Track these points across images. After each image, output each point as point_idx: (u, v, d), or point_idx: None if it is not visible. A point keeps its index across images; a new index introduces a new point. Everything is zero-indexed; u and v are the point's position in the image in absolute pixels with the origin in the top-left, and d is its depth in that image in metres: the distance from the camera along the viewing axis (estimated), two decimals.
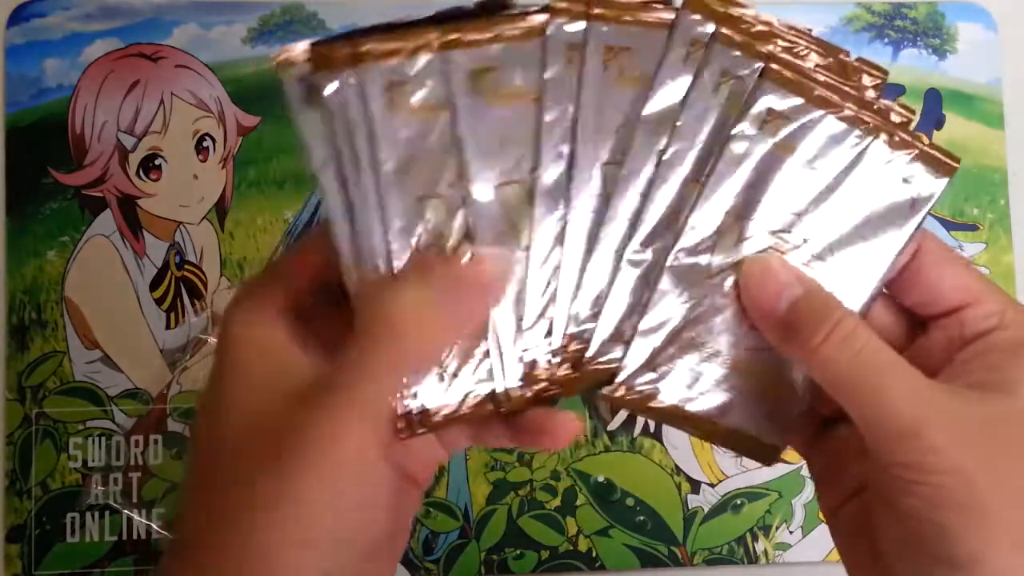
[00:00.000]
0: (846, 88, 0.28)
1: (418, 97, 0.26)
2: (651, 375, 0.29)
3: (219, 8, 0.57)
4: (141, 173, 0.56)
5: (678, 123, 0.27)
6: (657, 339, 0.28)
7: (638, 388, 0.29)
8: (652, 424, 0.56)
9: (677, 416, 0.29)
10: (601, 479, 0.55)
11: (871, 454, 0.27)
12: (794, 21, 0.29)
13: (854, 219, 0.28)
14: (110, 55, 0.56)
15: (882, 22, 0.61)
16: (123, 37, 0.57)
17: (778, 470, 0.56)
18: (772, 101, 0.28)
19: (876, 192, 0.28)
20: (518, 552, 0.54)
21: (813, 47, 0.29)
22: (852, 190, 0.28)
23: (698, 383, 0.29)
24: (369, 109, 0.26)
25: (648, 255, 0.28)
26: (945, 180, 0.28)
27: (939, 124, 0.60)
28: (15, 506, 0.53)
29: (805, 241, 0.28)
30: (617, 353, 0.28)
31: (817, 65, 0.28)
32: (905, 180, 0.28)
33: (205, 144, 0.56)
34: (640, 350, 0.28)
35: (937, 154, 0.28)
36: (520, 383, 0.28)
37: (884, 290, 0.30)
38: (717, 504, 0.56)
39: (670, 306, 0.28)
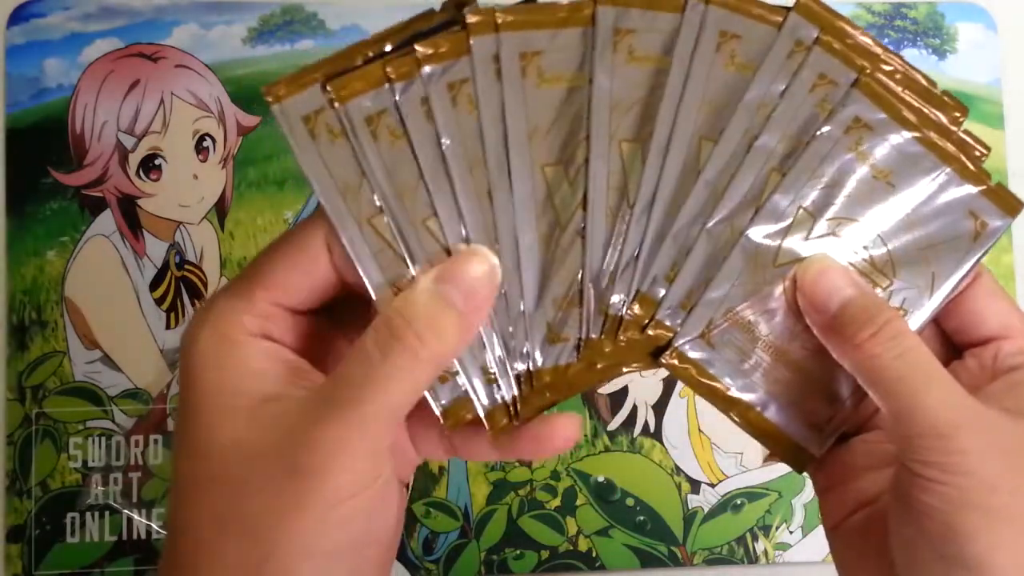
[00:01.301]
0: (929, 114, 0.29)
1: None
2: (704, 348, 0.29)
3: (219, 8, 0.57)
4: (141, 173, 0.56)
5: (774, 113, 0.29)
6: (716, 312, 0.29)
7: (690, 357, 0.29)
8: (652, 424, 0.56)
9: (721, 397, 0.30)
10: (601, 479, 0.55)
11: (897, 450, 0.27)
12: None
13: (919, 241, 0.30)
14: (110, 55, 0.56)
15: (882, 22, 0.61)
16: (123, 37, 0.57)
17: (778, 470, 0.56)
18: (860, 110, 0.29)
19: (943, 219, 0.29)
20: (518, 552, 0.54)
21: (904, 70, 0.30)
22: (921, 212, 0.29)
23: (746, 367, 0.30)
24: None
25: (726, 230, 0.29)
26: (1010, 220, 0.29)
27: None
28: (15, 506, 0.53)
29: (866, 250, 0.29)
30: (679, 319, 0.29)
31: (906, 88, 0.29)
32: (972, 213, 0.29)
33: (205, 144, 0.56)
34: (698, 319, 0.29)
35: (1004, 193, 0.29)
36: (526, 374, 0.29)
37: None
38: (717, 504, 0.56)
39: (734, 282, 0.29)
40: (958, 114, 0.30)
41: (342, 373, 0.26)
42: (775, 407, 0.30)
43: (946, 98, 0.30)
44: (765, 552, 0.56)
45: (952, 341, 0.31)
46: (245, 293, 0.27)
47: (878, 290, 0.29)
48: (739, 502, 0.56)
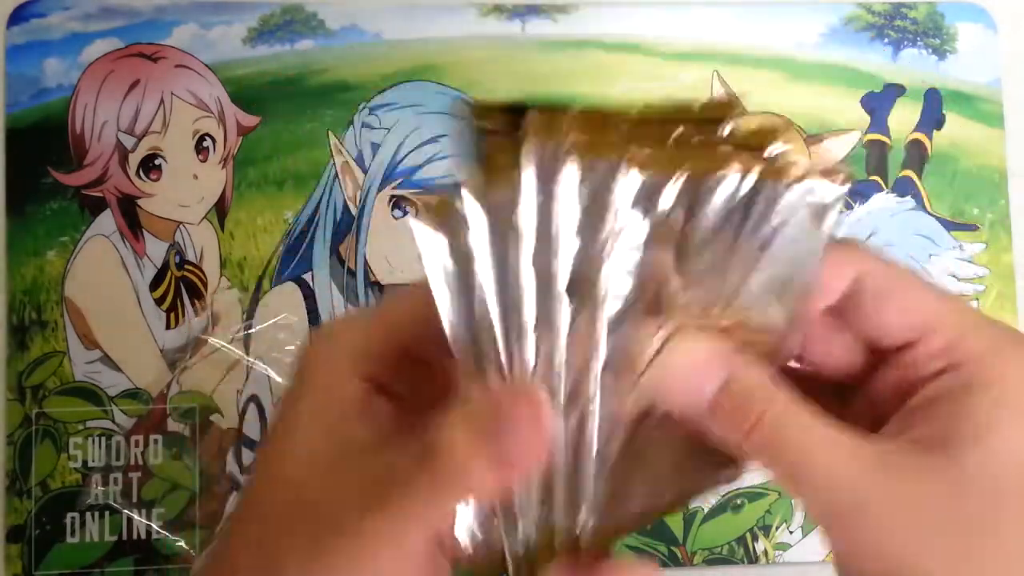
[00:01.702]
0: (721, 146, 0.25)
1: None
2: None
3: (219, 8, 0.57)
4: (141, 173, 0.56)
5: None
6: None
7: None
8: None
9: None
10: None
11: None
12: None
13: (770, 256, 0.26)
14: (110, 55, 0.56)
15: (882, 22, 0.61)
16: (123, 37, 0.57)
17: None
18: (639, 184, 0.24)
19: (781, 224, 0.25)
20: None
21: (675, 120, 0.25)
22: (758, 234, 0.26)
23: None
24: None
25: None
26: (844, 188, 0.25)
27: (939, 124, 0.60)
28: (15, 506, 0.53)
29: (721, 298, 0.26)
30: None
31: (691, 136, 0.25)
32: (807, 198, 0.25)
33: (205, 144, 0.56)
34: None
35: (825, 167, 0.25)
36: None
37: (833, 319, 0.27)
38: (717, 504, 0.56)
39: None
40: (724, 118, 0.25)
41: (392, 466, 0.24)
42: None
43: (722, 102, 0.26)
44: (765, 552, 0.56)
45: (876, 349, 0.27)
46: (365, 331, 0.27)
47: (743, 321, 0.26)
48: (739, 502, 0.56)
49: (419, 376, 0.27)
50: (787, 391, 0.25)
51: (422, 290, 0.26)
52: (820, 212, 0.25)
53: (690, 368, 0.25)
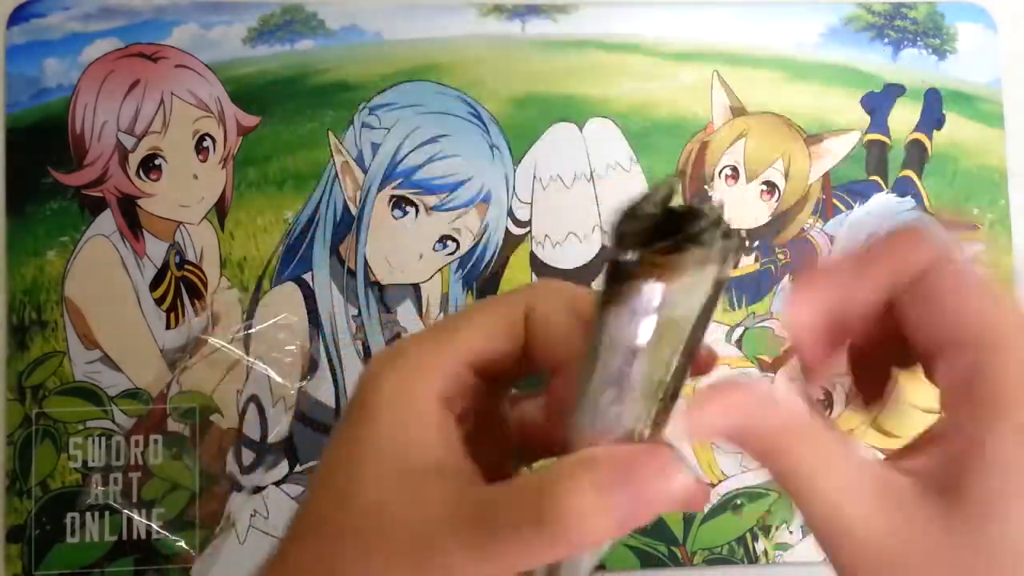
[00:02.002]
0: None
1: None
2: None
3: (219, 8, 0.57)
4: (141, 173, 0.56)
5: None
6: None
7: None
8: None
9: None
10: None
11: None
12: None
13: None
14: (110, 55, 0.56)
15: (882, 22, 0.61)
16: (123, 37, 0.57)
17: None
18: None
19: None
20: None
21: None
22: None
23: None
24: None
25: None
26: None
27: (939, 124, 0.60)
28: (15, 506, 0.53)
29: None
30: None
31: None
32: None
33: (205, 144, 0.56)
34: None
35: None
36: None
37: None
38: (717, 504, 0.56)
39: None
40: None
41: (489, 504, 0.24)
42: None
43: None
44: (765, 552, 0.56)
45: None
46: (438, 348, 0.26)
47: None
48: (739, 502, 0.56)
49: (486, 396, 0.27)
50: (809, 417, 0.24)
51: (492, 307, 0.26)
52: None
53: (702, 426, 0.24)
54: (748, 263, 0.59)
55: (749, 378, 0.25)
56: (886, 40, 0.60)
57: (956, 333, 0.24)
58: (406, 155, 0.57)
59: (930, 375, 0.25)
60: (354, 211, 0.57)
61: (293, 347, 0.55)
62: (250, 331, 0.55)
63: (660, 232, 0.23)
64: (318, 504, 0.26)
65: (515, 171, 0.58)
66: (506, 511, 0.23)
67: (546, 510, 0.22)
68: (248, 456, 0.55)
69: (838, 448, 0.23)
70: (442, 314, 0.57)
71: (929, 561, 0.22)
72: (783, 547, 0.56)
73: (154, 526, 0.54)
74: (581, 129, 0.58)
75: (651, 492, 0.23)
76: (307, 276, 0.56)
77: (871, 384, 0.28)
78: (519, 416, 0.29)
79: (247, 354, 0.55)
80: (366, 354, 0.56)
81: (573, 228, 0.58)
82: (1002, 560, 0.22)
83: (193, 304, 0.55)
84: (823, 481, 0.23)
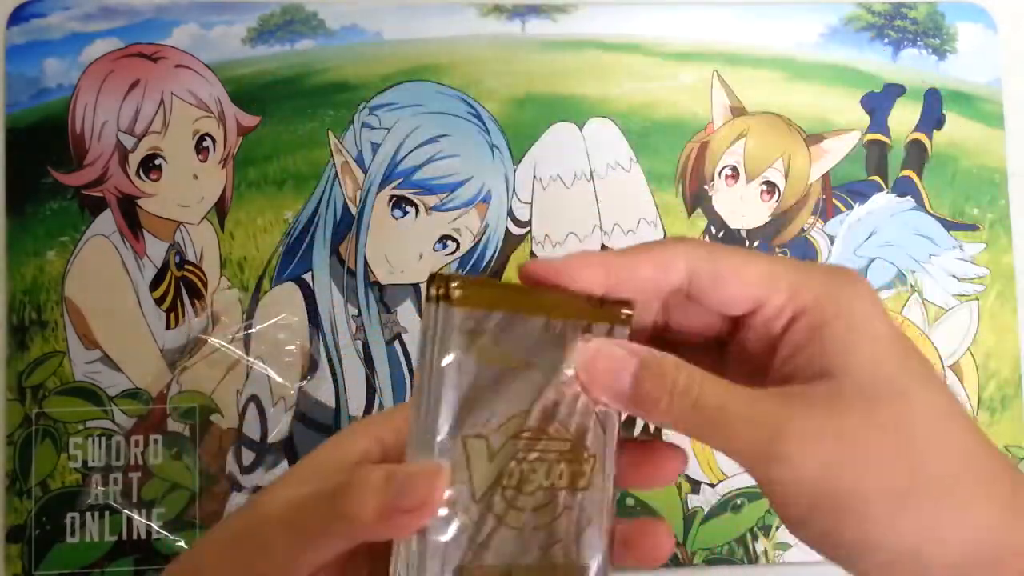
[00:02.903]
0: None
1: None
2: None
3: (219, 8, 0.57)
4: (141, 173, 0.56)
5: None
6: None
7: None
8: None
9: None
10: None
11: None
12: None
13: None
14: (110, 55, 0.56)
15: (882, 22, 0.61)
16: (123, 37, 0.57)
17: None
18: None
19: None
20: None
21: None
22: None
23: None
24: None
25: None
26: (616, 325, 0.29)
27: (939, 124, 0.60)
28: (15, 506, 0.53)
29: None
30: None
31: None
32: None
33: (205, 144, 0.56)
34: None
35: (606, 309, 0.28)
36: None
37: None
38: (717, 504, 0.56)
39: None
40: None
41: (308, 503, 0.27)
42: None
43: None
44: (765, 552, 0.56)
45: (731, 318, 0.30)
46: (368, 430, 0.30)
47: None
48: (739, 502, 0.56)
49: None
50: (691, 365, 0.28)
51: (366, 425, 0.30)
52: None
53: (608, 363, 0.28)
54: None
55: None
56: (886, 40, 0.60)
57: (755, 287, 0.29)
58: (406, 155, 0.57)
59: (742, 328, 0.30)
60: (354, 211, 0.57)
61: (293, 347, 0.55)
62: (250, 331, 0.55)
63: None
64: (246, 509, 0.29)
65: (515, 171, 0.58)
66: (313, 508, 0.27)
67: (340, 502, 0.26)
68: (248, 456, 0.55)
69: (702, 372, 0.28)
70: None
71: (809, 427, 0.26)
72: (783, 547, 0.56)
73: (154, 526, 0.54)
74: (581, 129, 0.58)
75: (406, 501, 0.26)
76: (307, 276, 0.56)
77: None
78: None
79: (247, 354, 0.55)
80: (366, 354, 0.56)
81: (573, 228, 0.58)
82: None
83: (193, 304, 0.55)
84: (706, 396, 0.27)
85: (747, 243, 0.59)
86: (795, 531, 0.30)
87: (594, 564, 0.28)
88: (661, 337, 0.31)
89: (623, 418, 0.29)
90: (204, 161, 0.56)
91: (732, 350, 0.30)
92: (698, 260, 0.29)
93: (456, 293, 0.26)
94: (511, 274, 0.57)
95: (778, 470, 0.26)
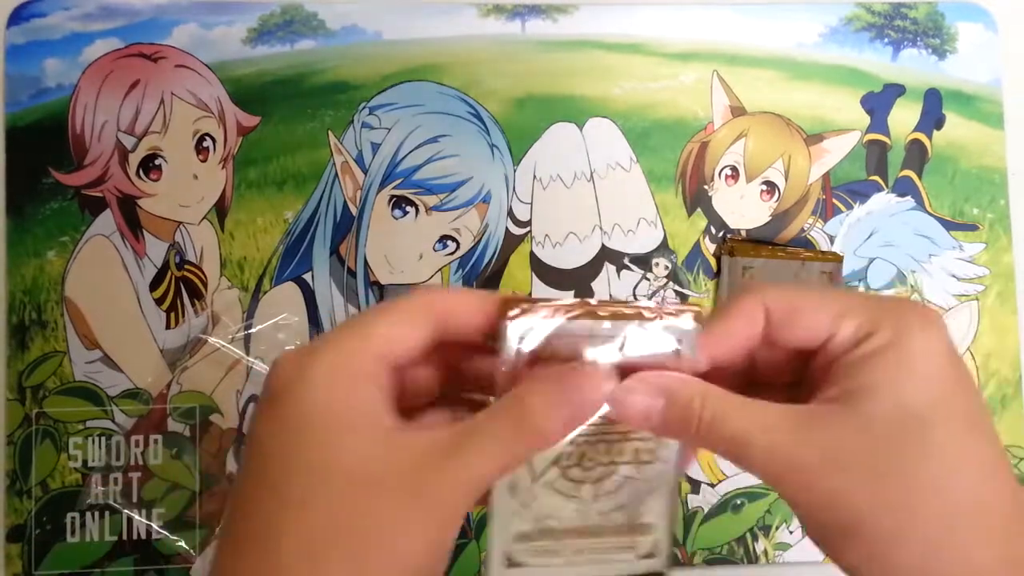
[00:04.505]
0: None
1: None
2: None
3: (219, 8, 0.57)
4: (141, 173, 0.56)
5: None
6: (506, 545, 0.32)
7: None
8: None
9: None
10: None
11: None
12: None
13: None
14: (110, 55, 0.56)
15: (882, 22, 0.61)
16: (123, 37, 0.57)
17: None
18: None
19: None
20: None
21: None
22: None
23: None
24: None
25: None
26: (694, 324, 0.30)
27: (939, 124, 0.60)
28: (15, 506, 0.53)
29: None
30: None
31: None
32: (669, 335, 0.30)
33: (205, 144, 0.56)
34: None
35: (680, 309, 0.31)
36: None
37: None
38: (717, 504, 0.56)
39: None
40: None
41: (480, 427, 0.28)
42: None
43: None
44: (765, 552, 0.56)
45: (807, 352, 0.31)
46: (356, 339, 0.29)
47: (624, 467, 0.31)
48: (739, 502, 0.56)
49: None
50: (718, 388, 0.30)
51: (400, 305, 0.30)
52: (680, 338, 0.30)
53: (639, 400, 0.30)
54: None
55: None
56: (886, 40, 0.60)
57: (828, 320, 0.30)
58: (406, 155, 0.57)
59: (815, 357, 0.31)
60: (354, 211, 0.57)
61: (293, 347, 0.55)
62: (250, 331, 0.55)
63: None
64: (287, 483, 0.27)
65: (515, 171, 0.58)
66: (486, 424, 0.28)
67: (505, 408, 0.28)
68: None
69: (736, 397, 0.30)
70: None
71: (827, 447, 0.28)
72: (783, 547, 0.56)
73: (154, 526, 0.54)
74: (581, 129, 0.58)
75: (583, 395, 0.29)
76: (307, 276, 0.56)
77: None
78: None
79: (247, 354, 0.55)
80: None
81: (573, 228, 0.58)
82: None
83: (193, 304, 0.55)
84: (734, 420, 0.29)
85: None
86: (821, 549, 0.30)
87: (659, 523, 0.31)
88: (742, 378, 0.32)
89: None
90: (204, 161, 0.56)
91: (805, 384, 0.31)
92: (772, 299, 0.31)
93: (506, 306, 0.29)
94: (510, 274, 0.57)
95: (796, 495, 0.28)
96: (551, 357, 0.29)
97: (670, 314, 0.30)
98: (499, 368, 0.29)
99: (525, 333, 0.29)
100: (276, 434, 0.28)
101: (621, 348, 0.30)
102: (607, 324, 0.29)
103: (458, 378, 0.32)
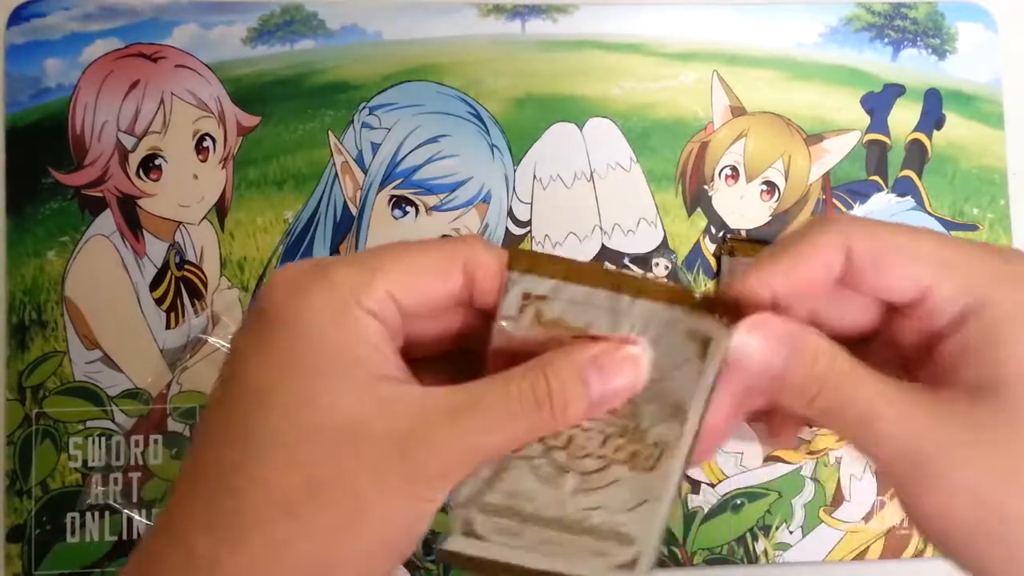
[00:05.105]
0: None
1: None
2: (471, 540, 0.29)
3: (219, 8, 0.57)
4: (141, 173, 0.56)
5: None
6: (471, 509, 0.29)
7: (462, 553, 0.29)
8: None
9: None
10: None
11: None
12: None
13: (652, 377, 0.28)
14: (110, 55, 0.56)
15: (882, 22, 0.61)
16: (123, 37, 0.57)
17: (778, 470, 0.56)
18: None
19: (665, 348, 0.28)
20: None
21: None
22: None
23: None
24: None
25: None
26: (726, 330, 0.27)
27: (939, 124, 0.60)
28: (15, 506, 0.53)
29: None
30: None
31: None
32: (689, 334, 0.27)
33: (205, 144, 0.56)
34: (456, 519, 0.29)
35: (712, 303, 0.28)
36: None
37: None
38: (717, 504, 0.56)
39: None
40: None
41: (489, 393, 0.26)
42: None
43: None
44: (765, 552, 0.56)
45: (890, 305, 0.27)
46: (367, 270, 0.26)
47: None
48: (739, 502, 0.56)
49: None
50: (847, 353, 0.25)
51: (422, 247, 0.27)
52: (705, 344, 0.27)
53: (761, 345, 0.26)
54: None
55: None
56: (886, 40, 0.60)
57: (923, 272, 0.26)
58: (406, 155, 0.57)
59: (902, 317, 0.27)
60: (354, 211, 0.57)
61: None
62: None
63: None
64: (263, 421, 0.25)
65: (515, 171, 0.58)
66: (498, 390, 0.25)
67: (538, 385, 0.25)
68: None
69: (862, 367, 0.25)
70: None
71: (971, 445, 0.24)
72: (783, 547, 0.56)
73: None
74: (581, 129, 0.58)
75: (624, 378, 0.26)
76: None
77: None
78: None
79: None
80: None
81: (573, 228, 0.58)
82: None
83: (193, 304, 0.55)
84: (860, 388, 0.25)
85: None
86: (934, 546, 0.27)
87: (643, 537, 0.28)
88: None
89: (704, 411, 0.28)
90: (204, 161, 0.56)
91: (879, 343, 0.28)
92: (858, 237, 0.26)
93: (514, 259, 0.27)
94: None
95: (923, 494, 0.25)
96: (556, 325, 0.27)
97: (700, 306, 0.27)
98: (498, 328, 0.27)
99: (530, 291, 0.27)
100: (260, 366, 0.25)
101: (637, 330, 0.27)
102: (627, 299, 0.27)
103: (469, 336, 0.29)
